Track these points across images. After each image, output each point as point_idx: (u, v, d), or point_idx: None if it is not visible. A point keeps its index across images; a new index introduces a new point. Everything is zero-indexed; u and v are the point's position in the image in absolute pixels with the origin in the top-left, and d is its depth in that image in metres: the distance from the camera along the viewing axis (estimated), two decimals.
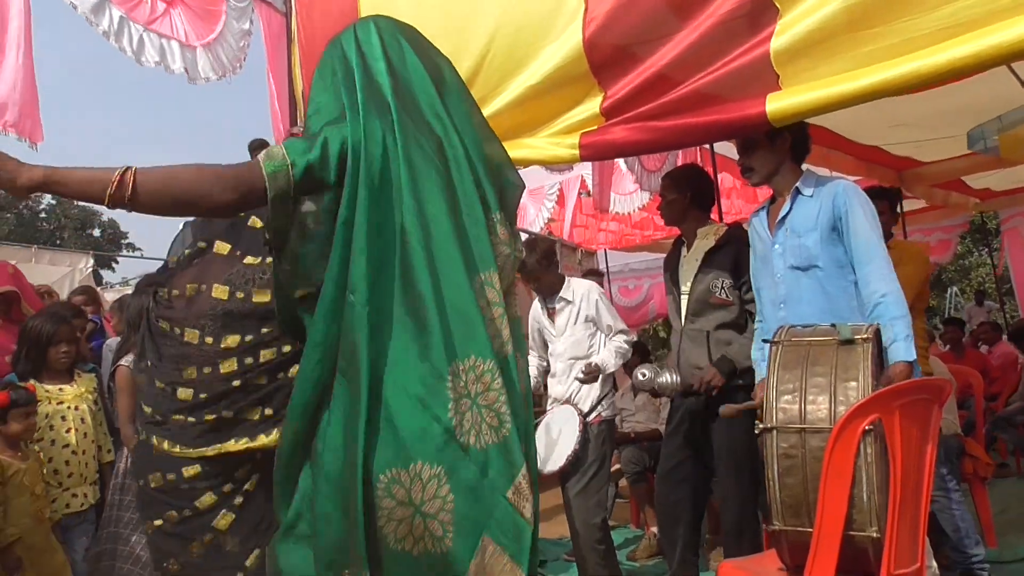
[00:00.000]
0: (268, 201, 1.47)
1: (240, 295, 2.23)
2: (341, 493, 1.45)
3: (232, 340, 2.20)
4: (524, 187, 1.84)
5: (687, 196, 3.43)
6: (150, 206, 1.44)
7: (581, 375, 3.74)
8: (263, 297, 2.20)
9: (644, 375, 3.31)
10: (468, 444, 1.45)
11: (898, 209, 4.04)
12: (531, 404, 1.65)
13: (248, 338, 2.21)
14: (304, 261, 1.53)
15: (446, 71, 1.73)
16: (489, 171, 1.65)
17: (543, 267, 3.93)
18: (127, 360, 3.48)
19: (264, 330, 2.21)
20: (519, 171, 1.82)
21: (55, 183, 1.41)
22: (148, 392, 2.33)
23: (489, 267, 1.56)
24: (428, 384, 1.45)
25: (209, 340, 2.22)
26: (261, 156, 1.48)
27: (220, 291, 2.25)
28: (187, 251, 2.35)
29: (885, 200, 3.83)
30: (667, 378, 3.29)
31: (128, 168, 1.42)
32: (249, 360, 2.22)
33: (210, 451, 2.17)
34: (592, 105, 2.85)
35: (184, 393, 2.22)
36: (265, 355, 2.23)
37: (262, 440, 2.22)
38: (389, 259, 1.47)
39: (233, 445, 2.18)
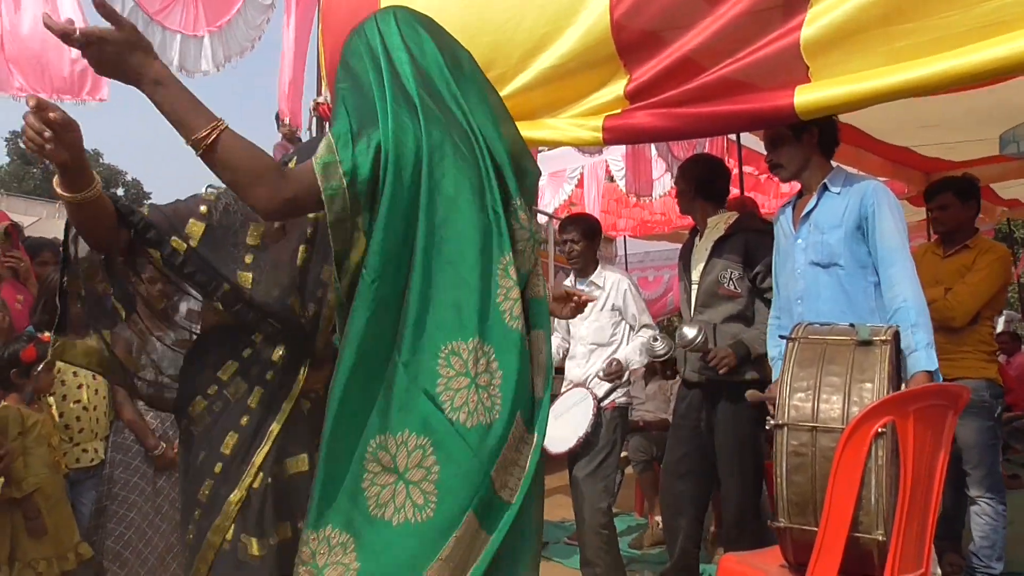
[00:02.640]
0: (329, 224, 1.52)
1: None
2: (328, 447, 1.51)
3: None
4: (540, 174, 1.87)
5: (692, 187, 3.42)
6: (214, 168, 1.50)
7: (603, 373, 3.76)
8: None
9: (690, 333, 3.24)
10: (457, 420, 1.49)
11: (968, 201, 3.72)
12: (550, 381, 1.67)
13: None
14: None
15: (464, 61, 1.75)
16: (509, 159, 1.68)
17: (586, 237, 3.95)
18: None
19: None
20: (544, 151, 1.84)
21: (158, 101, 1.48)
22: None
23: (508, 250, 1.59)
24: (421, 360, 1.50)
25: None
26: (319, 174, 1.49)
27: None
28: None
29: (949, 192, 3.71)
30: (690, 333, 3.24)
31: (217, 127, 1.47)
32: None
33: None
34: (616, 88, 2.82)
35: None
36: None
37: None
38: (408, 240, 1.52)
39: None
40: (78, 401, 3.37)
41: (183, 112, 1.48)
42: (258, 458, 1.90)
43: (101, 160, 31.53)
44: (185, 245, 1.84)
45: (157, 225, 1.83)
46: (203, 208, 1.91)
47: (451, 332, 1.51)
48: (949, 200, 3.68)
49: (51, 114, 1.51)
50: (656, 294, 11.20)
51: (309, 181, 1.50)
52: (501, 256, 1.58)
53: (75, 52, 2.04)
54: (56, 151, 1.54)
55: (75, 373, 3.37)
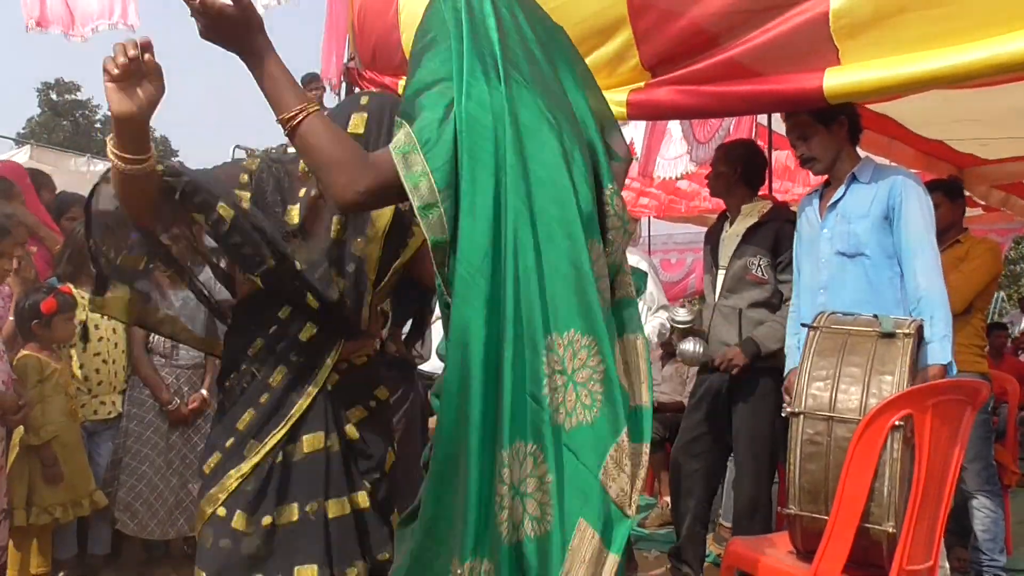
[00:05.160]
0: (417, 212, 1.39)
1: None
2: (448, 471, 1.39)
3: None
4: (630, 160, 1.74)
5: (737, 171, 3.38)
6: (299, 150, 1.47)
7: None
8: None
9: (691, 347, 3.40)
10: (557, 422, 1.39)
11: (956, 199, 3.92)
12: (651, 382, 1.57)
13: None
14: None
15: (557, 32, 1.67)
16: (599, 138, 1.59)
17: None
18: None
19: None
20: None
21: (256, 76, 1.46)
22: None
23: (597, 235, 1.48)
24: (523, 359, 1.37)
25: None
26: (399, 163, 1.38)
27: None
28: None
29: (939, 192, 3.73)
30: (691, 347, 3.33)
31: (306, 109, 1.43)
32: None
33: None
34: (630, 58, 2.75)
35: None
36: None
37: None
38: (500, 225, 1.39)
39: None
40: (97, 354, 3.41)
41: (277, 90, 1.44)
42: (271, 440, 1.83)
43: None
44: (233, 212, 1.75)
45: (204, 188, 1.75)
46: (244, 176, 1.84)
47: (545, 326, 1.39)
48: (940, 200, 3.69)
49: (147, 54, 1.48)
50: (678, 276, 11.12)
51: (392, 170, 1.39)
52: (592, 242, 1.45)
53: None
54: (116, 94, 1.50)
55: (96, 326, 3.41)
